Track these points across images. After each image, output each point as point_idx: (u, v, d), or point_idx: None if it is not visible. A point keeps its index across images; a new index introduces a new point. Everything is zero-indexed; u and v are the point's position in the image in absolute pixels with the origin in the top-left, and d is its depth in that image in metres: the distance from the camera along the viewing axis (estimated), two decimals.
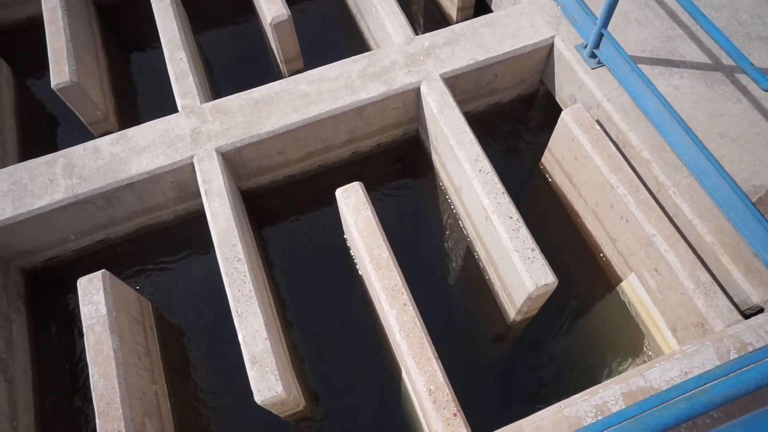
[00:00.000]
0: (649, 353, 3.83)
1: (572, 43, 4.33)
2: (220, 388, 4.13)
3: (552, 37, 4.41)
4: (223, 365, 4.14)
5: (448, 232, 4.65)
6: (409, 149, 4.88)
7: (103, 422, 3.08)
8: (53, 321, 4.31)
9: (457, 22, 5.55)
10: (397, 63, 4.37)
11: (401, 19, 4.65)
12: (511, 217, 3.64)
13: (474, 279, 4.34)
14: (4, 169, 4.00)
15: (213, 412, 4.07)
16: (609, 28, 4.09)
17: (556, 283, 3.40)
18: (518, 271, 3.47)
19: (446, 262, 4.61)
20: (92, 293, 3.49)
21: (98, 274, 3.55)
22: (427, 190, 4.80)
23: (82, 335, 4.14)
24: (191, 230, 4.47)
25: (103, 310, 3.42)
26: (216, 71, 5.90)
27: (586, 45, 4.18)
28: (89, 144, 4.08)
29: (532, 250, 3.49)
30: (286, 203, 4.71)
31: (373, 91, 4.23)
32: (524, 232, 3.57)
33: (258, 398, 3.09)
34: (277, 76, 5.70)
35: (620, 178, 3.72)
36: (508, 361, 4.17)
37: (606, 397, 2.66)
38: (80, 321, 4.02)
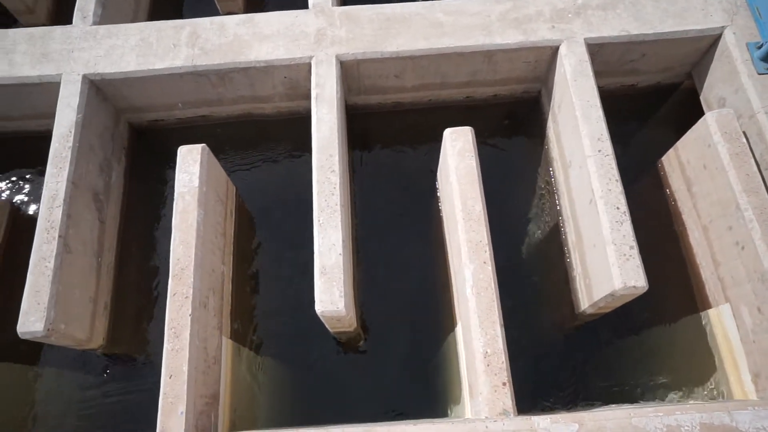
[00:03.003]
0: (716, 389, 3.59)
1: (745, 39, 3.84)
2: (279, 285, 4.26)
3: (723, 28, 3.93)
4: (287, 265, 4.26)
5: (539, 203, 4.45)
6: (524, 108, 4.61)
7: (175, 284, 3.24)
8: (146, 178, 4.52)
9: None
10: (543, 14, 4.05)
11: None
12: (618, 208, 3.40)
13: (553, 258, 4.16)
14: (135, 24, 4.09)
15: (266, 304, 4.23)
16: None
17: (646, 289, 3.19)
18: (609, 265, 3.28)
19: (529, 232, 4.44)
20: (190, 163, 3.58)
21: (198, 146, 3.63)
22: (531, 155, 4.56)
23: (168, 199, 4.34)
24: (289, 130, 4.49)
25: (196, 182, 3.52)
26: None
27: (761, 45, 3.70)
28: (217, 19, 4.09)
29: (631, 247, 3.27)
30: (386, 129, 4.62)
31: (509, 37, 3.96)
32: (627, 227, 3.34)
33: (319, 308, 3.14)
34: None
35: (752, 201, 3.36)
36: (564, 348, 4.05)
37: (682, 420, 2.51)
38: (170, 185, 4.19)
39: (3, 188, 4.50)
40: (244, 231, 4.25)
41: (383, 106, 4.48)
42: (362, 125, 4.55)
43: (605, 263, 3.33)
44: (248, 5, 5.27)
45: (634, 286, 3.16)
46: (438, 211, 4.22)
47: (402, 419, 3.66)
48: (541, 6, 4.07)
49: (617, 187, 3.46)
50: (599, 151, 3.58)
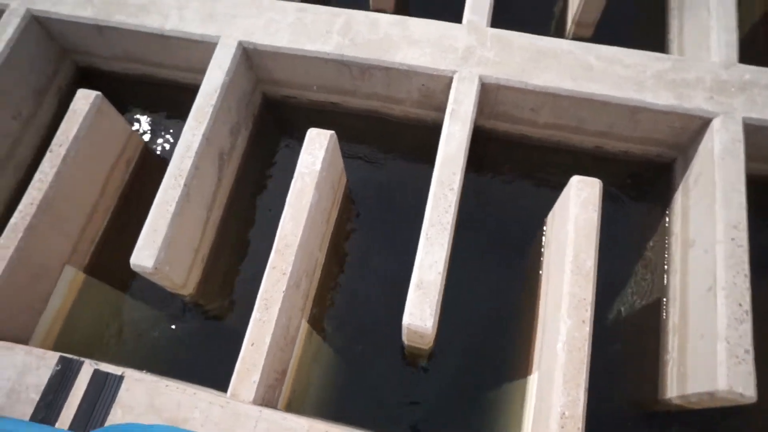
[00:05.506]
0: None
1: None
2: (361, 285, 4.29)
3: None
4: (374, 267, 4.29)
5: (643, 272, 4.22)
6: (652, 172, 4.39)
7: (276, 258, 3.34)
8: (265, 148, 4.70)
9: None
10: (702, 82, 3.83)
11: (732, 36, 4.01)
12: (741, 305, 3.16)
13: (645, 332, 3.94)
14: (295, 3, 4.26)
15: (345, 299, 4.27)
16: None
17: (753, 400, 2.95)
18: (715, 363, 3.05)
19: (624, 298, 4.21)
20: (316, 147, 3.68)
21: (328, 132, 3.71)
22: (647, 221, 4.33)
23: (279, 173, 4.49)
24: (410, 136, 4.53)
25: (318, 165, 3.61)
26: None
27: None
28: (371, 15, 4.19)
29: (746, 351, 3.03)
30: (505, 159, 4.54)
31: (660, 98, 3.79)
32: (747, 328, 3.10)
33: (407, 320, 3.14)
34: (553, 32, 5.36)
35: None
36: (635, 430, 3.82)
37: None
38: (284, 161, 4.34)
39: (140, 127, 4.85)
40: (344, 223, 4.33)
41: (509, 135, 4.41)
42: (481, 149, 4.50)
43: (711, 359, 3.10)
44: (397, 6, 5.34)
45: (741, 394, 2.93)
46: (537, 253, 4.11)
47: None
48: (702, 73, 3.86)
49: (744, 283, 3.22)
50: (733, 239, 3.34)
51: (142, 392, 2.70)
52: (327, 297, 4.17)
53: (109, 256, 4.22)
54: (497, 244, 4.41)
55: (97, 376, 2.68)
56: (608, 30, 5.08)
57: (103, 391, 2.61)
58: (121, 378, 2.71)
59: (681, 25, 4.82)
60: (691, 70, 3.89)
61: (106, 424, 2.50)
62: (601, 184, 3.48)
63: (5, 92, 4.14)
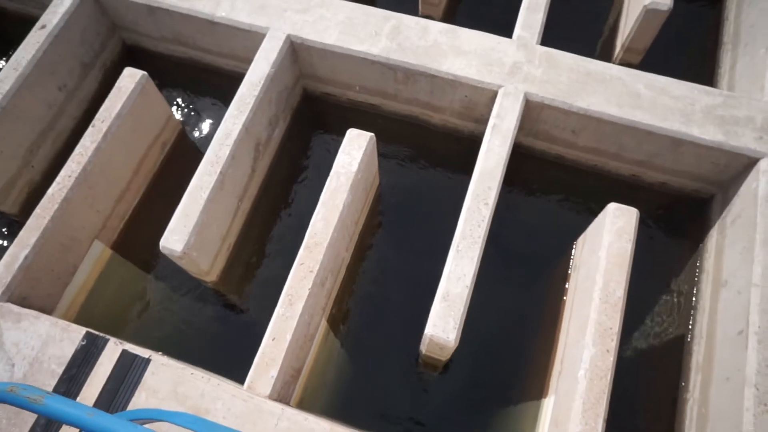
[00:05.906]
0: None
1: None
2: (382, 289, 4.27)
3: None
4: (397, 274, 4.26)
5: (667, 307, 4.14)
6: (687, 207, 4.31)
7: (305, 254, 3.34)
8: (300, 142, 4.70)
9: None
10: (753, 121, 3.75)
11: None
12: None
13: (664, 368, 3.88)
14: (347, 3, 4.25)
15: (365, 303, 4.26)
16: None
17: None
18: (741, 408, 2.98)
19: (644, 331, 4.14)
20: (354, 147, 3.67)
21: (367, 134, 3.70)
22: (675, 255, 4.25)
23: (311, 168, 4.49)
24: (445, 145, 4.50)
25: (355, 167, 3.60)
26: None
27: None
28: (422, 21, 4.17)
29: None
30: (537, 177, 4.49)
31: (707, 133, 3.72)
32: None
33: (430, 331, 3.12)
34: (599, 54, 5.29)
35: None
36: None
37: None
38: (317, 156, 4.33)
39: (178, 109, 4.89)
40: (372, 226, 4.32)
41: (545, 154, 4.37)
42: (515, 165, 4.45)
43: (737, 404, 3.03)
44: (446, 14, 5.32)
45: None
46: (563, 276, 4.06)
47: None
48: (754, 112, 3.78)
49: None
50: None
51: (167, 378, 2.71)
52: (348, 298, 4.16)
53: (136, 236, 4.26)
54: (521, 262, 4.36)
55: (125, 357, 2.70)
56: (656, 58, 5.00)
57: (130, 372, 2.63)
58: (148, 361, 2.72)
59: (733, 61, 4.73)
60: (742, 107, 3.82)
61: (129, 406, 2.52)
62: (638, 213, 3.43)
63: (55, 62, 4.20)
